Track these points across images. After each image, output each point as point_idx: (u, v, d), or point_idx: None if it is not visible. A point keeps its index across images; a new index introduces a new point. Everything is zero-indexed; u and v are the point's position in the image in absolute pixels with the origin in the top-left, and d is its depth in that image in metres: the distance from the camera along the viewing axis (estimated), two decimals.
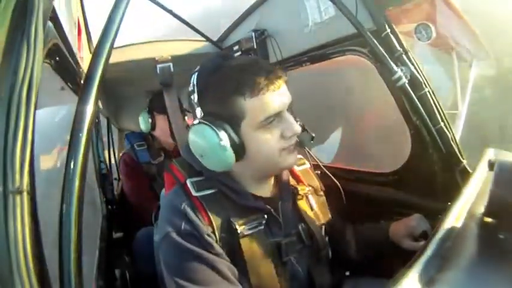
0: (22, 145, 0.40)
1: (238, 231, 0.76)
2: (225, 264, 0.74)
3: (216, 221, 0.76)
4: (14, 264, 0.37)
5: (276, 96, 0.75)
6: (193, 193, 0.78)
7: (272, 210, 0.83)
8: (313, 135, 0.92)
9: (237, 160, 0.77)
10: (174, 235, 0.74)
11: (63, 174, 0.46)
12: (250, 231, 0.78)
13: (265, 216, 0.81)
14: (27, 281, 0.37)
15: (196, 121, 0.78)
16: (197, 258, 0.73)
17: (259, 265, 0.78)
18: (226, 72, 0.76)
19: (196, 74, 0.80)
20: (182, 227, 0.74)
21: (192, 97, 0.80)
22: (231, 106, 0.74)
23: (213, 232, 0.75)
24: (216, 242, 0.75)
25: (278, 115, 0.76)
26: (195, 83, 0.80)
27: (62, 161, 0.47)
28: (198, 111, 0.79)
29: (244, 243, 0.77)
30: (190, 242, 0.73)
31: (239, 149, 0.75)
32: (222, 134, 0.73)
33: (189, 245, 0.73)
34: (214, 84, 0.76)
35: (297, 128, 0.77)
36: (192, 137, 0.78)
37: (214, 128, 0.73)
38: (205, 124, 0.74)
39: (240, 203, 0.80)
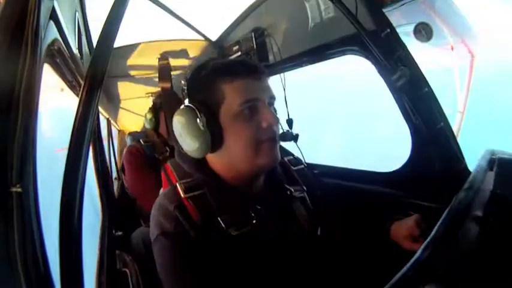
0: (23, 145, 0.40)
1: (227, 231, 0.76)
2: (213, 267, 0.74)
3: (205, 222, 0.77)
4: (15, 264, 0.37)
5: (256, 84, 0.79)
6: (182, 195, 0.79)
7: (262, 210, 0.83)
8: (296, 133, 0.93)
9: (215, 148, 0.79)
10: (164, 238, 0.75)
11: (63, 174, 0.47)
12: (239, 231, 0.78)
13: (254, 215, 0.81)
14: (27, 280, 0.37)
15: (181, 106, 0.83)
16: (185, 261, 0.74)
17: (250, 264, 0.77)
18: (212, 64, 0.82)
19: (191, 71, 0.87)
20: (172, 229, 0.75)
21: (183, 88, 0.86)
22: (213, 91, 0.78)
23: (202, 233, 0.75)
24: (206, 242, 0.75)
25: (257, 104, 0.78)
26: (187, 77, 0.86)
27: (62, 161, 0.47)
28: (186, 101, 0.84)
29: (234, 242, 0.77)
30: (179, 244, 0.75)
31: (216, 133, 0.77)
32: (200, 115, 0.77)
33: (178, 248, 0.74)
34: (201, 75, 0.82)
35: (274, 118, 0.79)
36: (174, 119, 0.82)
37: (194, 109, 0.78)
38: (187, 106, 0.80)
39: (228, 203, 0.81)
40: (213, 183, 0.83)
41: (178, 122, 0.81)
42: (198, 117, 0.77)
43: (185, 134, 0.79)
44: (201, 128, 0.76)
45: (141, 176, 1.91)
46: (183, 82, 0.86)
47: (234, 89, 0.77)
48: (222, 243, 0.76)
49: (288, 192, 0.92)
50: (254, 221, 0.80)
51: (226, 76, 0.78)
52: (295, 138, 0.94)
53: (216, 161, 0.84)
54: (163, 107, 1.85)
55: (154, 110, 1.97)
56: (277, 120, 0.80)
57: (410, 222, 0.91)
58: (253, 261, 0.78)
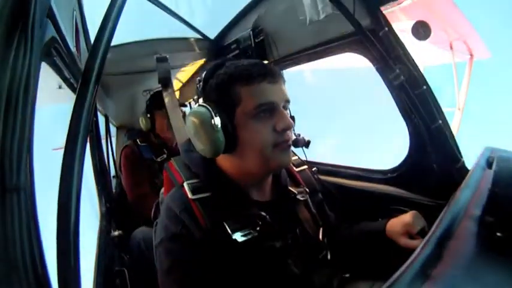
0: (20, 144, 0.40)
1: (233, 236, 0.76)
2: (217, 271, 0.74)
3: (211, 225, 0.76)
4: (12, 263, 0.36)
5: (272, 87, 0.79)
6: (190, 196, 0.79)
7: (267, 216, 0.82)
8: (308, 140, 0.93)
9: (228, 148, 0.78)
10: (169, 241, 0.75)
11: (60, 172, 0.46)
12: (244, 237, 0.77)
13: (260, 221, 0.81)
14: (25, 279, 0.37)
15: (196, 105, 0.82)
16: (190, 265, 0.74)
17: (255, 269, 0.77)
18: (229, 66, 0.81)
19: (206, 70, 0.86)
20: (177, 233, 0.75)
21: (198, 86, 0.85)
22: (229, 93, 0.78)
23: (208, 236, 0.75)
24: (211, 247, 0.75)
25: (272, 107, 0.78)
26: (202, 76, 0.84)
27: (59, 159, 0.46)
28: (201, 100, 0.84)
29: (239, 247, 0.77)
30: (183, 248, 0.75)
31: (231, 133, 0.77)
32: (216, 115, 0.77)
33: (182, 251, 0.75)
34: (218, 75, 0.81)
35: (289, 122, 0.78)
36: (189, 118, 0.81)
37: (210, 109, 0.77)
38: (203, 106, 0.79)
39: (234, 207, 0.80)
40: (220, 185, 0.82)
41: (193, 121, 0.80)
42: (213, 116, 0.76)
43: (201, 133, 0.78)
44: (215, 123, 0.76)
45: (135, 181, 1.89)
46: (197, 81, 0.86)
47: (250, 92, 0.77)
48: (227, 248, 0.76)
49: (292, 195, 0.92)
50: (258, 228, 0.80)
51: (244, 79, 0.77)
52: (306, 144, 0.93)
53: (226, 162, 0.84)
54: (164, 107, 1.83)
55: (150, 110, 1.95)
56: (291, 125, 0.79)
57: (406, 219, 0.91)
58: (257, 266, 0.78)
